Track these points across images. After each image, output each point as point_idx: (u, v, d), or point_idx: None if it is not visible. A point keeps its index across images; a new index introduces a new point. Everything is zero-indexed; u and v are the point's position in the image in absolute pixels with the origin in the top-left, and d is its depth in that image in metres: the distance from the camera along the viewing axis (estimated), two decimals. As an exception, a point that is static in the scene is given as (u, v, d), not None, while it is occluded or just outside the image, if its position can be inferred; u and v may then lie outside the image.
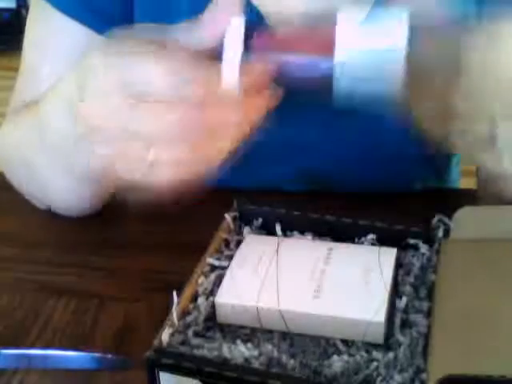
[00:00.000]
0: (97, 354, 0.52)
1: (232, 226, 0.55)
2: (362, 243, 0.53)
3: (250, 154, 0.75)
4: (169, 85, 0.36)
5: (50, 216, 0.69)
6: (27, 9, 0.75)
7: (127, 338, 0.54)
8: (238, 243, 0.53)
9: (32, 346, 0.54)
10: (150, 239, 0.66)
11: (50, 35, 0.69)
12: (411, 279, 0.49)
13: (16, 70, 0.75)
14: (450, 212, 0.52)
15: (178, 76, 0.36)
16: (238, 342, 0.43)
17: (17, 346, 0.54)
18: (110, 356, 0.52)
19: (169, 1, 0.68)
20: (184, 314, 0.46)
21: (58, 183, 0.61)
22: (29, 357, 0.53)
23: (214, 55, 0.39)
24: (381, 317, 0.44)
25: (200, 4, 0.67)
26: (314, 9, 0.68)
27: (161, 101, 0.37)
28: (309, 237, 0.54)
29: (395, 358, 0.42)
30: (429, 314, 0.45)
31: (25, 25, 0.72)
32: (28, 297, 0.59)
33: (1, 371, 0.52)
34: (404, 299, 0.46)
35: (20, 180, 0.67)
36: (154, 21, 0.69)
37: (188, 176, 0.40)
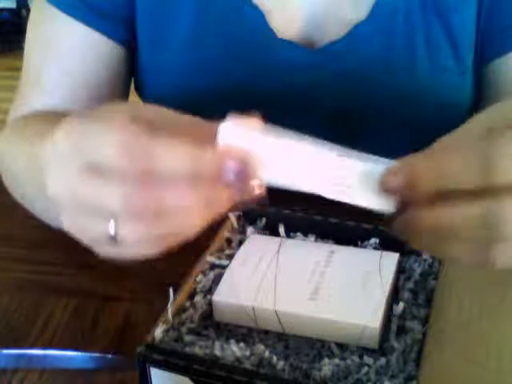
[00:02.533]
0: (97, 354, 0.53)
1: (235, 225, 0.57)
2: (365, 247, 0.55)
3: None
4: (121, 157, 0.36)
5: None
6: (27, 9, 0.77)
7: (127, 338, 0.55)
8: (241, 243, 0.54)
9: (32, 346, 0.55)
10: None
11: (53, 35, 0.71)
12: (411, 285, 0.51)
13: (16, 69, 0.77)
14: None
15: (132, 149, 0.35)
16: (231, 341, 0.46)
17: (17, 346, 0.54)
18: (110, 356, 0.53)
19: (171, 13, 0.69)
20: (180, 311, 0.47)
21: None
22: (29, 357, 0.54)
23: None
24: (376, 322, 0.45)
25: (203, 4, 0.69)
26: (315, 8, 0.69)
27: (115, 174, 0.36)
28: (312, 238, 0.55)
29: (387, 363, 0.44)
30: (426, 320, 0.46)
31: (25, 25, 0.73)
32: (28, 297, 0.61)
33: (1, 371, 0.53)
34: (401, 305, 0.48)
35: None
36: (156, 20, 0.70)
37: (155, 250, 0.40)
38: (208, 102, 0.72)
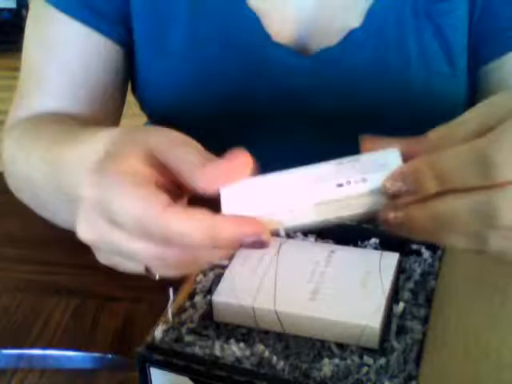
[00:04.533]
0: (97, 354, 0.53)
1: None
2: (365, 247, 0.54)
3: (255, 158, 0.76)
4: (140, 229, 0.39)
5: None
6: (28, 9, 0.76)
7: (127, 338, 0.55)
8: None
9: (32, 346, 0.55)
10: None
11: (51, 35, 0.71)
12: (411, 285, 0.51)
13: (16, 69, 0.77)
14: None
15: (148, 220, 0.38)
16: (231, 341, 0.46)
17: (17, 346, 0.54)
18: (110, 356, 0.53)
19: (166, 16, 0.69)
20: (180, 311, 0.47)
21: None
22: (29, 357, 0.54)
23: None
24: (376, 322, 0.45)
25: (198, 6, 0.69)
26: (307, 14, 0.70)
27: (137, 238, 0.39)
28: (311, 239, 0.55)
29: (387, 363, 0.44)
30: (426, 320, 0.46)
31: (25, 25, 0.73)
32: (28, 297, 0.61)
33: (1, 371, 0.53)
34: (401, 305, 0.48)
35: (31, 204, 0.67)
36: (152, 22, 0.70)
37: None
38: (204, 104, 0.73)
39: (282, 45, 0.69)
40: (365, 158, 0.41)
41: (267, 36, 0.69)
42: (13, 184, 0.67)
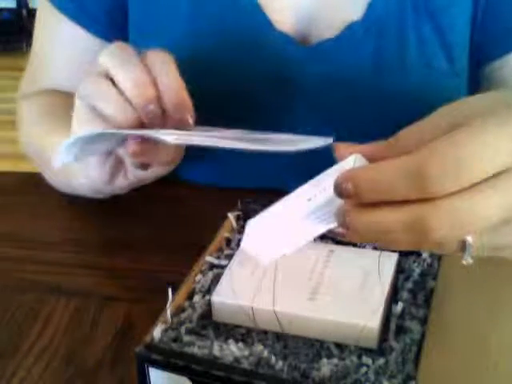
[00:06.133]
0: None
1: (235, 225, 0.56)
2: (364, 246, 0.54)
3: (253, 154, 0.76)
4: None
5: (50, 217, 0.71)
6: (27, 9, 0.80)
7: (127, 338, 0.55)
8: (240, 242, 0.54)
9: (31, 347, 0.55)
10: (151, 239, 0.68)
11: (52, 36, 0.72)
12: (410, 285, 0.51)
13: (17, 69, 0.79)
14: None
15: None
16: (230, 341, 0.46)
17: (16, 348, 0.55)
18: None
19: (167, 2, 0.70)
20: (179, 311, 0.47)
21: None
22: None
23: None
24: (375, 322, 0.45)
25: (200, 6, 0.69)
26: (307, 5, 0.70)
27: None
28: (311, 239, 0.55)
29: (386, 363, 0.44)
30: (425, 320, 0.47)
31: (25, 25, 0.77)
32: (28, 297, 0.60)
33: (0, 372, 0.53)
34: (400, 305, 0.48)
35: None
36: (151, 11, 0.71)
37: None
38: (201, 91, 0.73)
39: (282, 32, 0.70)
40: (333, 169, 0.42)
41: (268, 23, 0.69)
42: (34, 160, 0.74)
